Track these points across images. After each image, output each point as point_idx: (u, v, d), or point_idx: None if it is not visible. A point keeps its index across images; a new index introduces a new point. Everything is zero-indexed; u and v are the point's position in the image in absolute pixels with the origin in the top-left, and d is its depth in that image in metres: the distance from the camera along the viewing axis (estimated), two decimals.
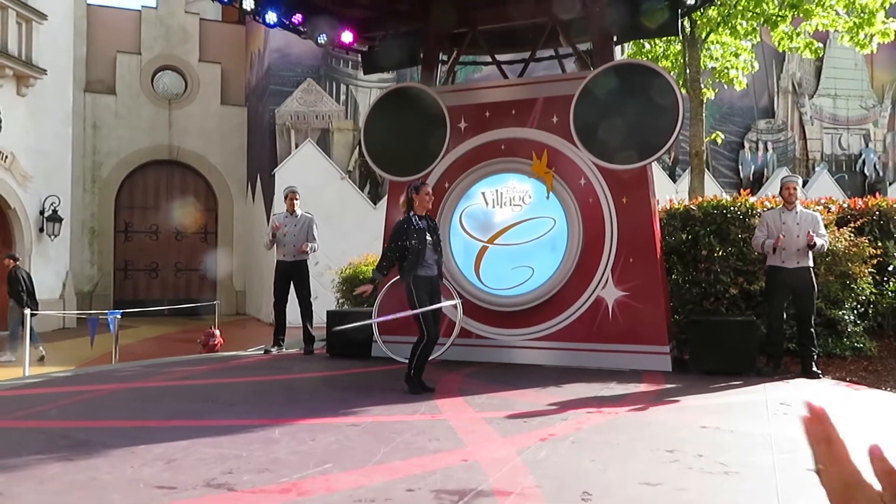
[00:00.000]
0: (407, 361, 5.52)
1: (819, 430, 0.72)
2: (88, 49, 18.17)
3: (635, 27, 7.62)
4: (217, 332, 9.70)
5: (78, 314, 13.41)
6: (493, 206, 7.21)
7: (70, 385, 6.13)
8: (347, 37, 7.98)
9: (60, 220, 15.22)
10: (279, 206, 10.73)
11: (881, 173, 21.41)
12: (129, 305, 15.56)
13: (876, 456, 0.68)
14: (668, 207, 7.77)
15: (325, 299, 10.30)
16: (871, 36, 9.84)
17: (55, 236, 15.18)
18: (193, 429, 4.26)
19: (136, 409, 5.09)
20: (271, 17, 7.46)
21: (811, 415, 0.72)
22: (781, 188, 6.48)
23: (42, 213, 14.98)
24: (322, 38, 7.96)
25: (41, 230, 14.95)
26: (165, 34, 19.03)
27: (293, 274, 7.95)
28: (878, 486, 0.68)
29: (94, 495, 3.02)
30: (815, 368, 6.09)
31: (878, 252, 7.06)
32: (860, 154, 21.38)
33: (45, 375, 7.07)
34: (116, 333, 8.48)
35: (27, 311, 8.44)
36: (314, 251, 8.00)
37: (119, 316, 8.54)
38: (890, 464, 0.68)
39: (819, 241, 6.12)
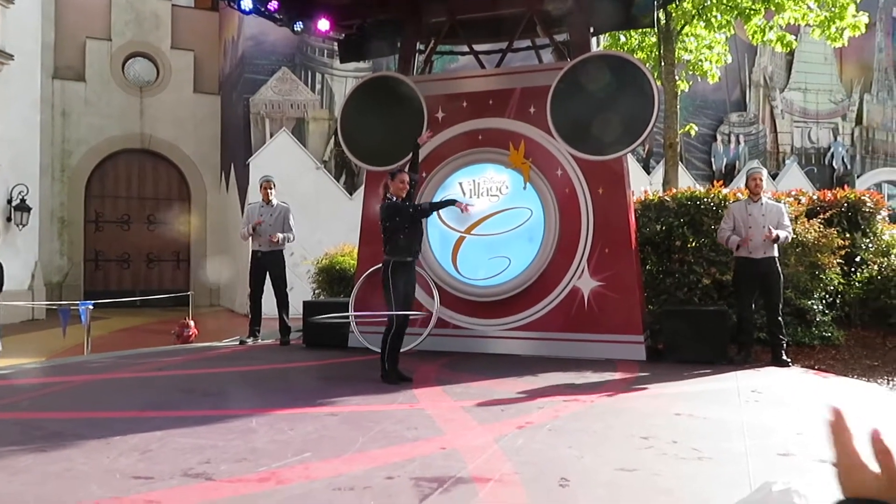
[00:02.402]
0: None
1: (837, 426, 0.78)
2: (57, 34, 17.75)
3: (612, 19, 7.66)
4: (191, 323, 9.60)
5: (48, 305, 13.17)
6: (471, 196, 7.22)
7: (42, 376, 6.04)
8: (324, 24, 7.91)
9: (29, 209, 14.90)
10: (254, 195, 10.63)
11: (849, 166, 21.83)
12: (100, 296, 15.28)
13: (875, 439, 0.74)
14: (643, 199, 7.86)
15: (300, 290, 10.25)
16: (843, 29, 10.01)
17: (23, 226, 14.86)
18: (169, 419, 4.23)
19: (110, 399, 5.03)
20: (246, 3, 7.37)
21: (833, 416, 0.78)
22: (747, 179, 6.59)
23: (10, 202, 14.65)
24: (298, 26, 7.90)
25: (9, 219, 14.63)
26: (136, 20, 18.66)
27: (269, 264, 7.89)
28: (877, 468, 0.74)
29: (69, 485, 2.99)
30: (784, 357, 6.22)
31: (846, 243, 7.22)
32: (829, 147, 21.77)
33: (15, 367, 6.95)
34: (88, 324, 8.35)
35: None
36: (289, 241, 7.94)
37: (91, 307, 8.40)
38: (886, 446, 0.73)
39: (782, 234, 6.24)
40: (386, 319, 5.49)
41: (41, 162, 16.18)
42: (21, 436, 3.82)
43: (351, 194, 15.90)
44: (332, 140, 16.40)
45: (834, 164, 21.69)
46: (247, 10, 7.46)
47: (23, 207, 14.75)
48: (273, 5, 7.60)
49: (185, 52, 18.99)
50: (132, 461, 3.33)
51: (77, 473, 3.15)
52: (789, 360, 6.24)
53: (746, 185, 6.61)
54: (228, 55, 18.33)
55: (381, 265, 5.67)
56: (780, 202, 6.80)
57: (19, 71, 14.68)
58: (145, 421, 4.19)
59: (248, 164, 15.51)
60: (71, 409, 4.65)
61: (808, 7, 10.02)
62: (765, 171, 6.79)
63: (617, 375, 5.76)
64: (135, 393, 5.31)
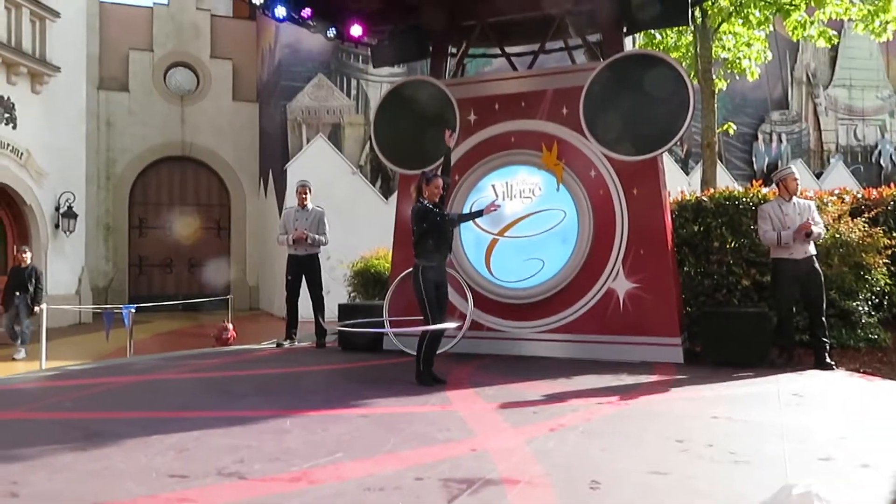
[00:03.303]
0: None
1: None
2: (101, 46, 18.29)
3: (646, 18, 7.56)
4: (230, 327, 9.78)
5: (93, 308, 13.53)
6: (504, 199, 7.20)
7: (85, 378, 6.20)
8: (356, 30, 7.99)
9: (75, 216, 15.36)
10: (291, 200, 10.77)
11: None
12: (143, 300, 15.67)
13: None
14: (680, 199, 7.73)
15: (336, 293, 10.33)
16: (887, 23, 9.72)
17: (70, 232, 15.33)
18: (205, 419, 4.30)
19: (149, 400, 5.15)
20: (280, 11, 7.48)
21: None
22: (787, 179, 6.37)
23: (57, 209, 15.13)
24: (331, 32, 7.98)
25: (57, 226, 15.11)
26: (177, 31, 19.12)
27: (305, 268, 7.98)
28: None
29: (107, 483, 3.06)
30: (828, 359, 6.04)
31: (893, 243, 6.99)
32: (876, 145, 21.15)
33: (60, 368, 7.16)
34: (131, 328, 8.57)
35: (37, 308, 8.52)
36: (322, 244, 8.00)
37: (133, 310, 8.62)
38: None
39: (816, 230, 6.12)
40: (419, 326, 5.50)
41: (87, 170, 16.68)
42: (62, 435, 3.93)
43: (387, 198, 16.01)
44: (368, 145, 16.54)
45: (882, 161, 21.07)
46: (281, 17, 7.57)
47: (70, 214, 15.21)
48: (306, 12, 7.70)
49: (224, 60, 19.38)
50: (168, 460, 3.40)
51: (115, 471, 3.22)
52: (833, 362, 6.06)
53: (786, 186, 6.40)
54: (266, 63, 18.64)
55: (412, 269, 5.68)
56: (812, 201, 6.65)
57: (66, 82, 15.17)
58: (183, 421, 4.27)
59: (286, 170, 15.74)
60: (112, 409, 4.77)
61: (851, 1, 9.76)
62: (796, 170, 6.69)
63: (653, 378, 5.68)
64: (174, 394, 5.42)
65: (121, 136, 18.42)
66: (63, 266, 15.20)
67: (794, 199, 6.36)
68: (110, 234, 18.33)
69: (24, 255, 10.76)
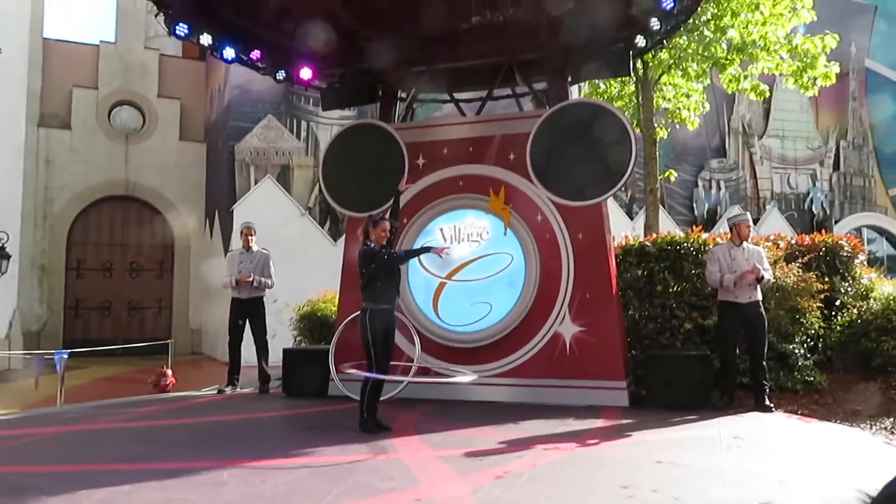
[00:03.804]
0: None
1: None
2: (44, 83, 17.88)
3: (589, 68, 7.81)
4: (169, 372, 9.44)
5: (23, 354, 12.92)
6: (451, 242, 7.22)
7: (10, 428, 5.86)
8: (306, 73, 8.00)
9: (8, 256, 14.77)
10: (237, 242, 10.59)
11: (828, 211, 22.18)
12: (79, 345, 15.00)
13: None
14: (624, 243, 7.89)
15: (282, 337, 10.11)
16: (815, 79, 10.25)
17: (2, 273, 14.71)
18: (138, 472, 4.10)
19: (78, 452, 4.88)
20: (229, 52, 7.45)
21: None
22: (740, 225, 6.53)
23: None
24: (281, 75, 7.98)
25: None
26: (124, 69, 18.86)
27: (249, 312, 7.81)
28: None
29: None
30: (767, 402, 6.17)
31: (826, 287, 7.24)
32: (808, 193, 22.14)
33: None
34: (63, 374, 8.18)
35: None
36: (268, 287, 7.85)
37: (66, 356, 8.25)
38: None
39: (766, 275, 6.29)
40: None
41: (23, 209, 16.11)
42: None
43: (335, 240, 15.90)
44: (317, 187, 16.45)
45: (813, 209, 22.03)
46: (230, 59, 7.54)
47: (2, 255, 14.63)
48: (255, 54, 7.69)
49: (172, 100, 19.17)
50: None
51: None
52: (772, 405, 6.19)
53: (738, 231, 6.56)
54: (215, 103, 18.51)
55: (359, 312, 5.61)
56: (759, 246, 6.85)
57: (4, 118, 14.76)
58: (113, 474, 4.05)
59: (233, 211, 15.50)
60: (37, 462, 4.51)
61: (781, 57, 10.28)
62: (749, 217, 6.88)
63: (599, 423, 5.68)
64: (105, 445, 5.16)
65: (60, 174, 17.90)
66: None
67: (745, 244, 6.54)
68: (45, 276, 17.64)
69: None
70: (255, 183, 16.35)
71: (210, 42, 7.24)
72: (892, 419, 5.88)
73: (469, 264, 7.20)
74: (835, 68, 10.29)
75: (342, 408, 6.46)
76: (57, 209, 17.86)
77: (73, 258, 18.19)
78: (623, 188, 7.62)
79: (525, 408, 6.34)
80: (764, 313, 6.38)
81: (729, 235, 6.77)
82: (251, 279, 7.65)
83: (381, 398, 5.60)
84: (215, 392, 7.92)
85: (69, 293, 18.02)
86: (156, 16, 7.15)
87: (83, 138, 18.19)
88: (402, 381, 6.45)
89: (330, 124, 16.64)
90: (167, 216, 18.96)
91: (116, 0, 19.33)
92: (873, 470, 4.26)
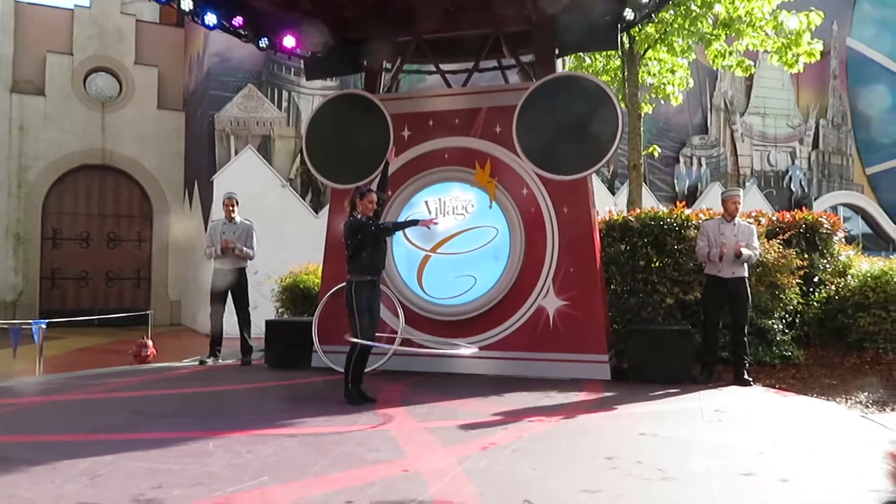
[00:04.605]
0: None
1: None
2: (16, 48, 17.39)
3: (577, 41, 7.75)
4: (149, 343, 9.34)
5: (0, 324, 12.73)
6: (436, 215, 7.19)
7: None
8: (290, 41, 7.86)
9: None
10: (218, 212, 10.46)
11: (806, 189, 22.41)
12: (56, 315, 14.84)
13: (891, 458, 0.72)
14: (608, 218, 7.92)
15: (264, 309, 10.07)
16: (798, 56, 10.28)
17: None
18: (121, 442, 4.08)
19: (60, 422, 4.84)
20: (211, 18, 7.28)
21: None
22: (727, 201, 6.64)
23: None
24: (263, 43, 7.82)
25: None
26: (99, 35, 18.38)
27: (231, 282, 7.74)
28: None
29: None
30: (746, 376, 6.28)
31: (805, 264, 7.35)
32: (787, 171, 22.33)
33: None
34: (41, 344, 8.07)
35: None
36: (250, 258, 7.77)
37: (44, 326, 8.13)
38: None
39: (746, 252, 6.34)
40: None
41: None
42: None
43: (317, 212, 15.77)
44: (299, 158, 16.28)
45: (792, 186, 22.25)
46: (211, 25, 7.36)
47: None
48: (238, 21, 7.52)
49: (150, 67, 18.73)
50: (80, 487, 3.19)
51: (21, 500, 3.00)
52: (751, 379, 6.30)
53: (725, 208, 6.66)
54: (193, 71, 18.14)
55: (344, 284, 5.59)
56: (750, 223, 6.91)
57: None
58: (95, 444, 4.02)
59: (212, 182, 15.29)
60: (17, 432, 4.46)
61: (766, 34, 10.28)
62: (742, 193, 6.92)
63: (582, 395, 5.75)
64: (86, 415, 5.11)
65: (35, 142, 17.49)
66: None
67: (737, 220, 6.60)
68: (20, 245, 17.32)
69: None
70: (236, 153, 16.11)
71: (191, 7, 7.06)
72: (867, 393, 6.01)
73: (454, 237, 7.19)
74: (818, 46, 10.32)
75: (326, 379, 6.47)
76: (32, 177, 17.49)
77: (49, 227, 17.86)
78: (607, 163, 7.62)
79: (509, 380, 6.39)
80: (748, 289, 6.45)
81: (712, 212, 6.82)
82: (233, 247, 7.56)
83: (366, 370, 5.61)
84: (197, 363, 7.88)
85: (45, 263, 17.72)
86: None
87: (58, 105, 17.75)
88: (390, 352, 6.44)
89: (312, 94, 16.40)
90: (145, 186, 18.66)
91: None
92: (849, 442, 4.36)
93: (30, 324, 8.16)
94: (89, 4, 18.47)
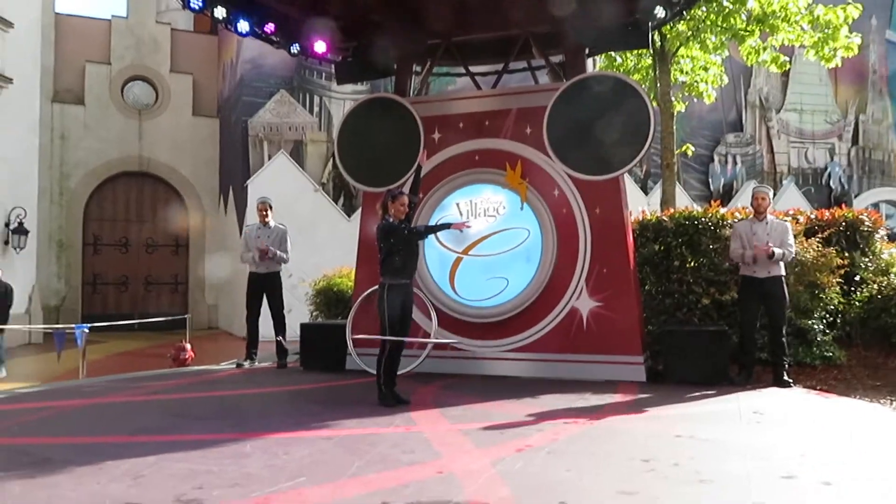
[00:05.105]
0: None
1: None
2: (56, 58, 17.88)
3: (607, 40, 7.69)
4: (188, 347, 9.52)
5: (44, 328, 13.10)
6: (468, 217, 7.19)
7: (34, 401, 5.96)
8: (320, 47, 7.94)
9: (26, 232, 14.89)
10: (252, 217, 10.62)
11: (846, 186, 21.89)
12: (97, 320, 15.18)
13: None
14: (641, 219, 7.84)
15: (298, 312, 10.17)
16: (836, 50, 10.05)
17: (21, 249, 14.84)
18: (162, 444, 4.16)
19: (102, 424, 4.96)
20: (243, 26, 7.39)
21: None
22: (752, 198, 6.58)
23: (7, 225, 14.65)
24: (295, 48, 7.92)
25: (6, 243, 14.62)
26: (136, 44, 18.82)
27: (266, 286, 7.84)
28: None
29: None
30: (786, 377, 6.16)
31: (845, 262, 7.18)
32: (826, 167, 21.85)
33: (8, 392, 6.88)
34: (84, 348, 8.27)
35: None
36: (284, 262, 7.86)
37: (87, 330, 8.34)
38: None
39: (779, 251, 6.21)
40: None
41: (39, 185, 16.22)
42: (8, 462, 3.75)
43: (349, 216, 15.90)
44: (331, 162, 16.44)
45: (831, 183, 21.76)
46: (244, 32, 7.48)
47: (20, 231, 14.74)
48: (269, 27, 7.62)
49: (184, 75, 19.12)
50: (123, 487, 3.26)
51: (65, 500, 3.08)
52: (791, 380, 6.18)
53: (751, 204, 6.61)
54: (227, 78, 18.44)
55: (377, 287, 5.63)
56: (785, 221, 6.77)
57: (18, 94, 14.76)
58: (138, 446, 4.12)
59: (247, 187, 15.52)
60: (62, 434, 4.58)
61: (802, 28, 10.07)
62: (770, 191, 6.79)
63: (617, 397, 5.70)
64: (128, 417, 5.23)
65: (75, 150, 17.98)
66: (13, 284, 14.61)
67: (770, 218, 6.48)
68: (63, 251, 17.81)
69: None
70: (269, 158, 16.35)
71: (224, 15, 7.19)
72: None
73: (485, 239, 7.18)
74: (856, 40, 10.08)
75: (360, 381, 6.51)
76: (73, 185, 17.97)
77: (90, 234, 18.33)
78: (639, 163, 7.55)
79: (542, 382, 6.36)
80: (784, 289, 6.33)
81: (748, 210, 6.71)
82: (268, 250, 7.65)
83: (399, 372, 5.64)
84: (234, 366, 8.00)
85: (87, 268, 18.19)
86: None
87: (96, 114, 18.22)
88: (424, 353, 6.48)
89: (343, 99, 16.57)
90: (181, 191, 19.02)
91: None
92: (894, 445, 4.25)
93: (73, 328, 8.38)
94: (126, 14, 18.93)
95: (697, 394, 5.79)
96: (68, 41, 18.13)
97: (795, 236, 7.10)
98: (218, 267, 18.60)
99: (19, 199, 14.90)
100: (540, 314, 6.87)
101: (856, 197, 21.66)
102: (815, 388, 6.14)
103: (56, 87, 17.90)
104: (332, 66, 8.64)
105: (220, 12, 7.12)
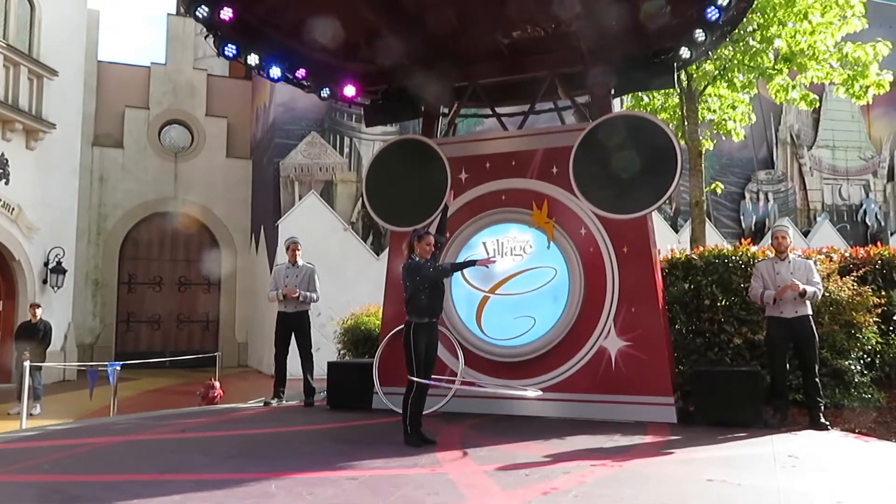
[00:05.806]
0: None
1: None
2: (98, 104, 18.54)
3: (632, 81, 7.74)
4: (217, 385, 9.61)
5: (78, 366, 13.32)
6: (494, 256, 7.20)
7: (66, 438, 6.04)
8: (350, 90, 8.13)
9: (64, 271, 15.27)
10: (282, 257, 10.76)
11: (882, 223, 21.47)
12: (130, 357, 15.44)
13: None
14: (670, 257, 7.78)
15: (326, 350, 10.22)
16: (867, 87, 9.99)
17: (58, 288, 15.21)
18: (188, 483, 4.18)
19: (131, 462, 5.00)
20: (275, 71, 7.61)
21: None
22: (772, 237, 6.50)
23: (46, 264, 15.05)
24: (325, 92, 8.11)
25: (45, 282, 14.99)
26: (173, 89, 19.45)
27: (294, 325, 7.91)
28: None
29: None
30: (822, 419, 5.98)
31: (882, 301, 7.01)
32: (861, 204, 21.49)
33: (41, 428, 6.99)
34: (115, 385, 8.40)
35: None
36: (313, 301, 7.95)
37: (118, 367, 8.47)
38: None
39: (810, 289, 6.09)
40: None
41: (78, 225, 16.67)
42: (39, 499, 3.80)
43: (378, 255, 16.03)
44: (360, 202, 16.65)
45: (867, 220, 21.36)
46: (276, 78, 7.70)
47: (59, 270, 15.12)
48: (301, 73, 7.84)
49: (219, 118, 19.66)
50: None
51: None
52: (828, 422, 5.99)
53: (771, 244, 6.52)
54: (260, 121, 18.92)
55: (403, 326, 5.64)
56: (809, 259, 6.66)
57: (60, 139, 15.31)
58: (164, 484, 4.14)
59: (278, 226, 15.78)
60: (91, 471, 4.63)
61: (831, 66, 10.04)
62: (791, 229, 6.70)
63: (647, 439, 5.58)
64: (156, 455, 5.27)
65: (113, 192, 18.50)
66: (50, 322, 14.99)
67: (791, 257, 6.38)
68: (98, 290, 18.20)
69: (35, 310, 10.86)
70: (300, 198, 16.63)
71: (257, 62, 7.41)
72: None
73: (512, 278, 7.18)
74: (887, 76, 10.01)
75: (387, 421, 6.48)
76: (110, 225, 18.45)
77: (125, 273, 18.72)
78: (667, 201, 7.52)
79: (570, 423, 6.27)
80: (813, 328, 6.18)
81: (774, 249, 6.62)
82: (297, 294, 7.76)
83: (425, 412, 5.61)
84: (262, 404, 8.04)
85: (121, 307, 18.54)
86: (206, 38, 7.36)
87: (134, 157, 18.78)
88: (450, 393, 6.43)
89: (372, 140, 16.84)
90: (214, 231, 19.39)
91: (167, 23, 19.99)
92: None
93: (105, 366, 8.52)
94: (165, 61, 19.60)
95: (730, 436, 5.65)
96: (109, 87, 18.81)
97: (829, 275, 6.98)
98: (248, 305, 18.82)
99: (58, 240, 15.33)
100: (568, 354, 6.81)
101: (892, 234, 21.22)
102: (853, 432, 5.95)
103: (96, 132, 18.52)
104: (362, 108, 8.83)
105: (253, 59, 7.35)
